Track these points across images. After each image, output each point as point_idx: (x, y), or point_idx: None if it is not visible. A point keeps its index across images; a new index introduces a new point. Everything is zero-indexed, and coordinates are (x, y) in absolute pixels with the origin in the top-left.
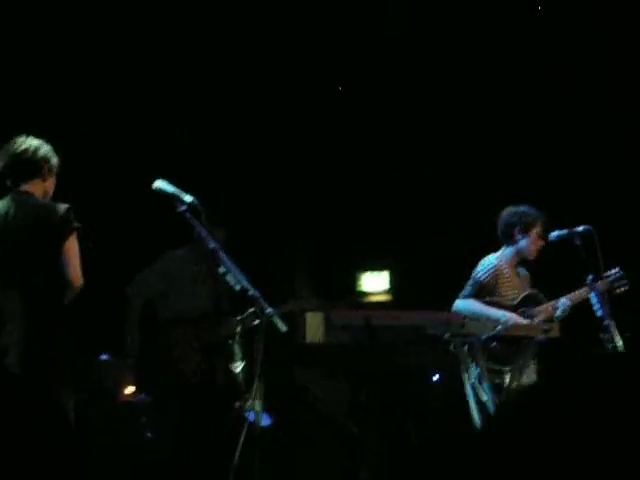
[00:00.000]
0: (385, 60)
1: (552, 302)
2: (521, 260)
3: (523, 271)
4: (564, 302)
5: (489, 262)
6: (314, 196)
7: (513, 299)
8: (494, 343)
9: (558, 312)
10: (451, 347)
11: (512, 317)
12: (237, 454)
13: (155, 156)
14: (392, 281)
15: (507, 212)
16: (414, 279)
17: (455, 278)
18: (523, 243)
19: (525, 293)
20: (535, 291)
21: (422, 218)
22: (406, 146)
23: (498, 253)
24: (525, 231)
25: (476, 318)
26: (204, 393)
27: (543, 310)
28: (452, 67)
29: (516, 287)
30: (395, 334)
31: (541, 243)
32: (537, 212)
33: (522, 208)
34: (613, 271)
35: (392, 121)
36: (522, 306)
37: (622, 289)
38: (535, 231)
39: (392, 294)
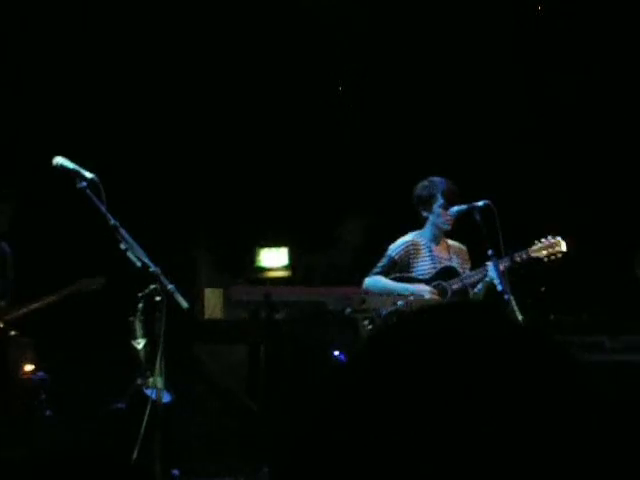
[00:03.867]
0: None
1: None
2: (441, 233)
3: (456, 244)
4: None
5: (404, 239)
6: (214, 173)
7: (428, 274)
8: (394, 319)
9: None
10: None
11: (418, 290)
12: (141, 431)
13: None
14: (291, 257)
15: (414, 190)
16: (313, 255)
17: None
18: (432, 218)
19: (441, 266)
20: (453, 264)
21: (323, 194)
22: (308, 120)
23: (416, 231)
24: (427, 207)
25: (385, 292)
26: None
27: (458, 281)
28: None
29: (438, 262)
30: (295, 310)
31: (448, 215)
32: (435, 185)
33: (420, 185)
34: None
35: (295, 99)
36: (438, 279)
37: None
38: (437, 205)
39: (291, 270)
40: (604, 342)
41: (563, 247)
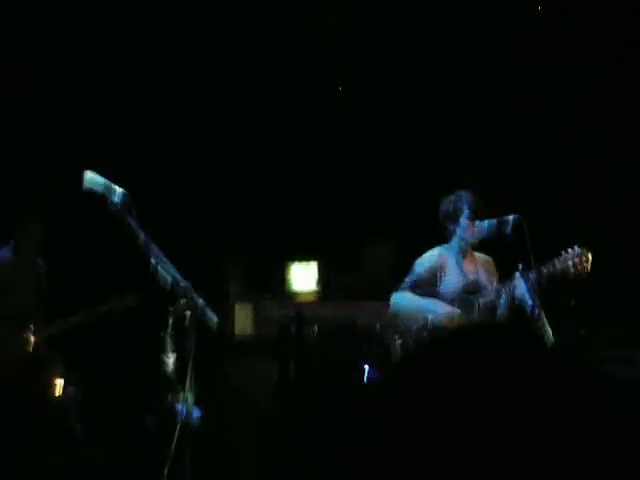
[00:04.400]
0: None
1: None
2: (468, 246)
3: (483, 257)
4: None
5: (430, 253)
6: (245, 187)
7: (457, 288)
8: (425, 334)
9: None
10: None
11: (443, 307)
12: (172, 447)
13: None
14: (320, 272)
15: (441, 205)
16: (343, 272)
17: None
18: (459, 232)
19: (469, 280)
20: (480, 277)
21: (353, 211)
22: (341, 139)
23: (443, 245)
24: (454, 221)
25: (409, 310)
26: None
27: (485, 296)
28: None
29: (465, 275)
30: (326, 325)
31: (474, 227)
32: (461, 198)
33: (446, 199)
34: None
35: (325, 112)
36: (465, 293)
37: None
38: (463, 217)
39: (320, 287)
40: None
41: (589, 256)
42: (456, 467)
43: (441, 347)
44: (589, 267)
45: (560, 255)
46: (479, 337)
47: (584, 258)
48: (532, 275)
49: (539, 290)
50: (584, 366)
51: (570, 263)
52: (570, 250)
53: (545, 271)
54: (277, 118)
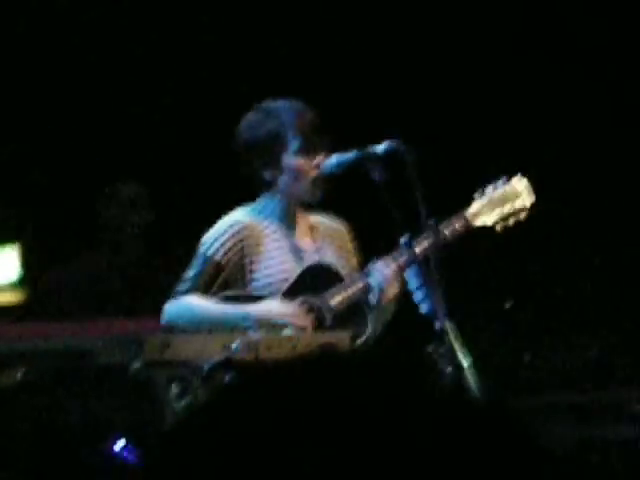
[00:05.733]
0: None
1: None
2: (296, 204)
3: (328, 222)
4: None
5: (227, 222)
6: None
7: (280, 282)
8: (228, 375)
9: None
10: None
11: (262, 314)
12: None
13: None
14: (25, 263)
15: (238, 132)
16: (64, 260)
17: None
18: (283, 181)
19: (306, 266)
20: (326, 258)
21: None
22: None
23: (247, 206)
24: (269, 160)
25: (198, 330)
26: None
27: (341, 292)
28: None
29: (298, 258)
30: (36, 368)
31: (313, 172)
32: (278, 116)
33: (249, 120)
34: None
35: None
36: (301, 291)
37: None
38: (289, 152)
39: (25, 289)
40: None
41: (527, 197)
42: None
43: (234, 401)
44: (528, 205)
45: (473, 199)
46: (315, 380)
47: (518, 201)
48: (427, 242)
49: (443, 278)
50: (518, 431)
51: (496, 214)
52: (491, 187)
53: (450, 234)
54: None
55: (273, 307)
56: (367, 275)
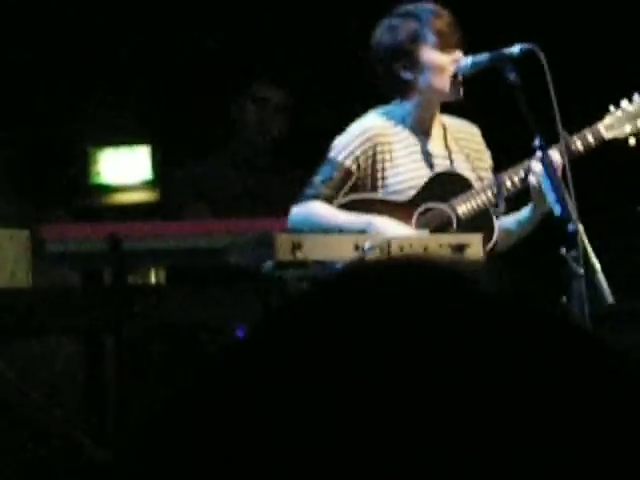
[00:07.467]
0: None
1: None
2: (434, 108)
3: (463, 126)
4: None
5: (359, 128)
6: None
7: (410, 188)
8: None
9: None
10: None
11: (392, 225)
12: None
13: None
14: (155, 163)
15: (374, 38)
16: (196, 160)
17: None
18: (421, 81)
19: (435, 172)
20: (457, 165)
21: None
22: None
23: (380, 110)
24: (407, 61)
25: (323, 235)
26: None
27: (470, 200)
28: None
29: (429, 164)
30: (166, 264)
31: (452, 67)
32: (417, 16)
33: (386, 25)
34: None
35: None
36: (428, 199)
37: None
38: (425, 51)
39: (157, 189)
40: None
41: None
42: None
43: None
44: None
45: (609, 112)
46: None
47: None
48: (558, 152)
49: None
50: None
51: (629, 128)
52: (625, 104)
53: (583, 144)
54: None
55: (391, 227)
56: (498, 182)
